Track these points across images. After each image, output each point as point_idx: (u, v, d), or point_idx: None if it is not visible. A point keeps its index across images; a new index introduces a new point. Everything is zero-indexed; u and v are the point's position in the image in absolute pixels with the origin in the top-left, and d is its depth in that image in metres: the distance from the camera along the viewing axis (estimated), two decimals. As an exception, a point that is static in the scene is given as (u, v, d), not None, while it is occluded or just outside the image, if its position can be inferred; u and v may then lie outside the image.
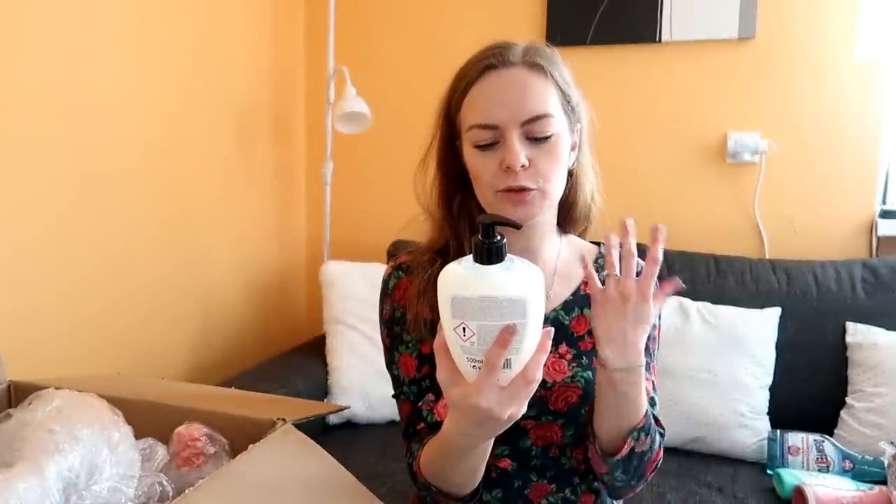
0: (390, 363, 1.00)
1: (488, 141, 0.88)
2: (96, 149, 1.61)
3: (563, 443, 0.95)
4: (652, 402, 0.95)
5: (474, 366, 0.69)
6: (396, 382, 0.99)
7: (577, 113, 0.94)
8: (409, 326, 0.96)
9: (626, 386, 0.82)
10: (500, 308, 0.67)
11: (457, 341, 0.69)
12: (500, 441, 0.94)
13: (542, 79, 0.89)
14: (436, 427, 0.91)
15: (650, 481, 1.60)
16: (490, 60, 0.89)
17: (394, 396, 1.01)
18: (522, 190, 0.87)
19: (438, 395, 0.94)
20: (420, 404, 0.96)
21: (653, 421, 0.89)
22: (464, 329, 0.68)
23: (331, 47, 2.25)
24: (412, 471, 0.92)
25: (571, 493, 0.97)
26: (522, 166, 0.86)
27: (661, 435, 0.95)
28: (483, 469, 0.85)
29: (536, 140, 0.88)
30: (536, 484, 0.96)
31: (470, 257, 0.69)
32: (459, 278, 0.68)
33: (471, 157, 0.91)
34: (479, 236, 0.68)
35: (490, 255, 0.67)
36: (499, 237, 0.68)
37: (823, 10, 1.96)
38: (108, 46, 1.63)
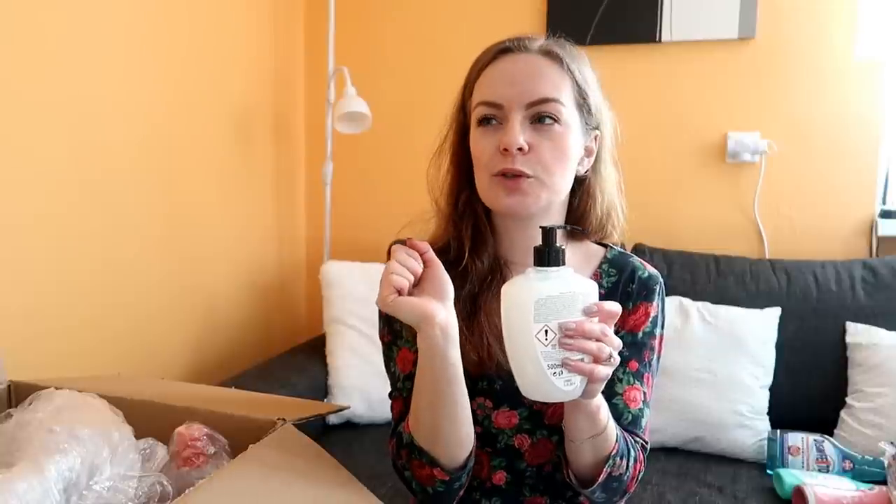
0: (388, 360, 0.98)
1: (490, 119, 0.87)
2: (96, 149, 1.61)
3: (556, 459, 0.94)
4: (640, 413, 0.93)
5: (555, 372, 0.72)
6: (393, 379, 0.98)
7: (594, 117, 0.91)
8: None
9: (583, 419, 0.81)
10: (577, 302, 0.72)
11: (537, 348, 0.72)
12: (496, 453, 0.94)
13: (557, 68, 0.88)
14: None
15: (650, 481, 1.61)
16: (506, 45, 0.89)
17: (390, 395, 0.99)
18: (518, 176, 0.85)
19: None
20: None
21: (625, 444, 0.87)
22: (546, 332, 0.71)
23: (331, 47, 2.25)
24: (400, 440, 0.90)
25: (566, 502, 0.97)
26: (520, 149, 0.84)
27: (644, 448, 0.93)
28: (470, 423, 0.85)
29: (541, 124, 0.85)
30: (530, 498, 0.96)
31: (528, 269, 0.74)
32: (536, 285, 0.72)
33: (473, 138, 0.90)
34: (542, 243, 0.73)
35: (557, 257, 0.73)
36: (560, 243, 0.73)
37: (823, 11, 1.96)
38: (108, 46, 1.63)
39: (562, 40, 0.91)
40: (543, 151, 0.85)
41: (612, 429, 0.84)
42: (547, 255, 0.72)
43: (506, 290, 0.74)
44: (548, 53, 0.88)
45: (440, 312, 0.79)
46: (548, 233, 0.73)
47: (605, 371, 0.73)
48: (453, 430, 0.84)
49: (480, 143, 0.88)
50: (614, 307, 0.74)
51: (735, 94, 2.05)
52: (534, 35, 0.91)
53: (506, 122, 0.86)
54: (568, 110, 0.87)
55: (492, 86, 0.87)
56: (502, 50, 0.88)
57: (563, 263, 0.73)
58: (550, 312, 0.71)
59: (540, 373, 0.72)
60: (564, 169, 0.88)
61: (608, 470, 0.84)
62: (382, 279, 0.78)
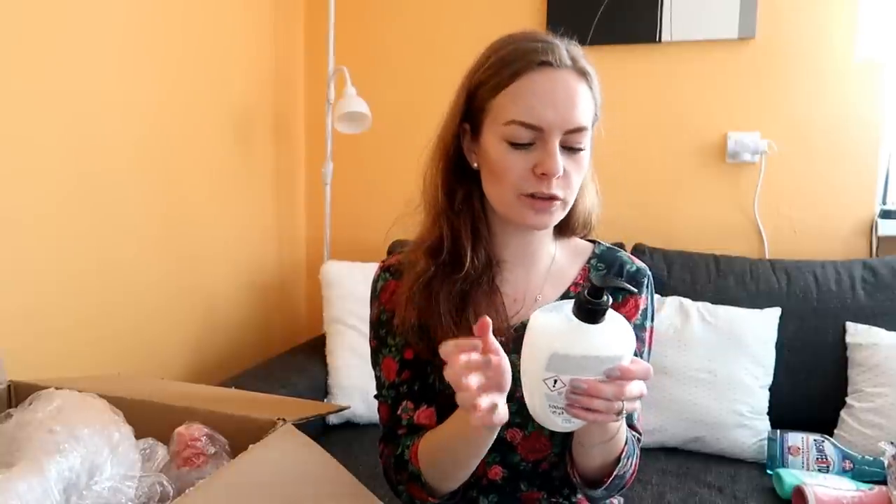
0: (375, 364, 1.00)
1: (527, 140, 0.85)
2: (97, 149, 1.61)
3: (552, 457, 0.94)
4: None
5: (555, 411, 0.71)
6: (378, 383, 1.00)
7: (595, 125, 0.92)
8: (395, 330, 0.96)
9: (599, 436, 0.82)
10: (599, 365, 0.69)
11: (542, 390, 0.71)
12: (491, 449, 0.95)
13: (588, 89, 0.87)
14: (416, 430, 0.93)
15: (650, 482, 1.61)
16: (547, 57, 0.85)
17: (375, 397, 1.01)
18: (550, 199, 0.85)
19: (416, 402, 0.95)
20: (398, 412, 0.96)
21: (632, 445, 0.89)
22: (555, 381, 0.70)
23: (331, 47, 2.25)
24: (399, 461, 0.93)
25: (564, 498, 0.97)
26: (557, 176, 0.84)
27: (638, 440, 0.95)
28: (474, 466, 0.86)
29: (571, 150, 0.86)
30: (527, 493, 0.96)
31: (567, 309, 0.70)
32: (560, 336, 0.69)
33: (497, 152, 0.86)
34: (587, 295, 0.68)
35: (595, 315, 0.68)
36: (606, 298, 0.68)
37: (823, 11, 1.96)
38: (108, 46, 1.63)
39: (579, 48, 0.90)
40: (572, 175, 0.86)
41: (623, 431, 0.85)
42: (586, 312, 0.68)
43: (534, 321, 0.72)
44: (582, 73, 0.87)
45: (506, 410, 0.75)
46: (597, 290, 0.68)
47: (611, 419, 0.72)
48: (466, 472, 0.87)
49: (509, 161, 0.85)
50: (642, 371, 0.71)
51: (735, 94, 2.05)
52: (550, 36, 0.88)
53: (543, 144, 0.84)
54: (589, 133, 0.88)
55: (532, 106, 0.84)
56: (542, 62, 0.85)
57: (603, 320, 0.69)
58: (565, 368, 0.69)
59: (541, 407, 0.72)
60: (580, 186, 0.91)
61: (617, 471, 0.86)
62: (464, 395, 0.70)
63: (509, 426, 0.92)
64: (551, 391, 0.70)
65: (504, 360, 0.74)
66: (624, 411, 0.72)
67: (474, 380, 0.70)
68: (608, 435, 0.82)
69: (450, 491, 0.90)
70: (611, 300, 0.69)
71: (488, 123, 0.88)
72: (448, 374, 0.71)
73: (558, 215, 0.88)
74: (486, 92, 0.88)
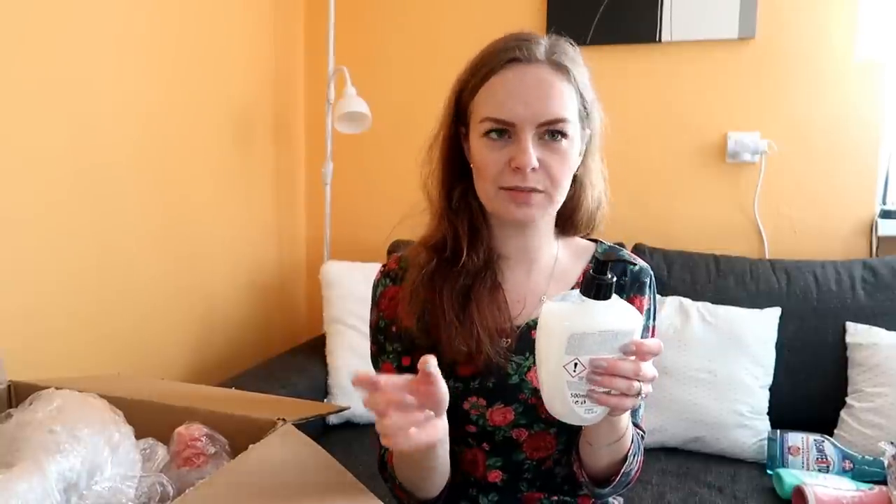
0: (375, 368, 1.01)
1: (500, 136, 0.86)
2: (97, 149, 1.61)
3: (557, 455, 0.94)
4: (637, 405, 0.95)
5: (577, 401, 0.72)
6: None
7: (590, 117, 0.92)
8: (393, 336, 0.96)
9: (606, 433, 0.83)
10: (614, 340, 0.70)
11: (563, 377, 0.71)
12: (492, 452, 0.95)
13: (565, 81, 0.87)
14: None
15: (650, 482, 1.61)
16: (515, 53, 0.85)
17: None
18: (530, 191, 0.86)
19: None
20: None
21: (638, 442, 0.90)
22: (575, 365, 0.70)
23: (331, 47, 2.25)
24: (382, 462, 0.96)
25: (564, 495, 0.98)
26: (533, 168, 0.84)
27: (642, 437, 0.96)
28: (447, 472, 0.88)
29: (550, 142, 0.86)
30: (527, 494, 0.97)
31: (574, 294, 0.71)
32: (574, 316, 0.70)
33: (477, 149, 0.88)
34: (593, 272, 0.70)
35: (604, 290, 0.70)
36: (611, 274, 0.70)
37: (823, 11, 1.96)
38: (109, 46, 1.63)
39: (562, 42, 0.90)
40: (552, 167, 0.86)
41: (630, 430, 0.86)
42: (595, 287, 0.70)
43: (546, 310, 0.73)
44: (557, 66, 0.86)
45: (441, 433, 0.76)
46: (602, 264, 0.69)
47: (631, 403, 0.73)
48: (432, 485, 0.88)
49: (487, 156, 0.87)
50: (655, 346, 0.72)
51: (735, 94, 2.05)
52: (535, 35, 0.89)
53: (516, 138, 0.85)
54: (572, 124, 0.87)
55: (502, 102, 0.85)
56: (512, 59, 0.86)
57: (611, 296, 0.70)
58: (583, 348, 0.70)
59: (563, 399, 0.72)
60: (568, 179, 0.90)
61: (624, 469, 0.87)
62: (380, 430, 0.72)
63: (515, 427, 0.93)
64: (572, 377, 0.70)
65: (438, 386, 0.73)
66: (641, 393, 0.72)
67: (396, 424, 0.70)
68: (617, 434, 0.82)
69: (429, 495, 0.90)
70: (615, 278, 0.70)
71: (472, 124, 0.90)
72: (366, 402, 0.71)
73: (542, 208, 0.88)
74: (467, 94, 0.90)
